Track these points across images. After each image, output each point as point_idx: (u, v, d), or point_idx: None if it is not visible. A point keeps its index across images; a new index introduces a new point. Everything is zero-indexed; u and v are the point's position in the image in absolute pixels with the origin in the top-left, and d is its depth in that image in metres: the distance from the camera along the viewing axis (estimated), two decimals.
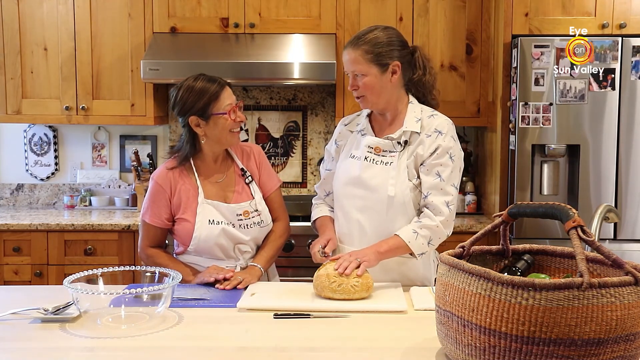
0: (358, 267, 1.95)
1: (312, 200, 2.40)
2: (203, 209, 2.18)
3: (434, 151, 2.10)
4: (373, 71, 2.08)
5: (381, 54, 2.07)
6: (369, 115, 2.25)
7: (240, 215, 2.21)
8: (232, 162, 2.31)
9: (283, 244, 2.36)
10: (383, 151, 2.14)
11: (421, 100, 2.23)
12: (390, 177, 2.10)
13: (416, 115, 2.15)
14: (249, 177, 2.29)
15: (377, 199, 2.12)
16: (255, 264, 2.21)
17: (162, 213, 2.21)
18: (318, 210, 2.33)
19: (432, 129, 2.13)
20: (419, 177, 2.12)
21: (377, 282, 2.04)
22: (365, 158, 2.15)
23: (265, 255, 2.26)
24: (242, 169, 2.29)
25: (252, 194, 2.27)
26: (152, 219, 2.22)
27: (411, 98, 2.21)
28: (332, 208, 2.31)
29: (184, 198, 2.20)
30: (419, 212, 2.14)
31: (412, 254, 2.08)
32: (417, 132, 2.13)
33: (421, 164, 2.12)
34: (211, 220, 2.18)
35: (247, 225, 2.22)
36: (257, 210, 2.24)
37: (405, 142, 2.13)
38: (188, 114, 2.16)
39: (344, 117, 2.41)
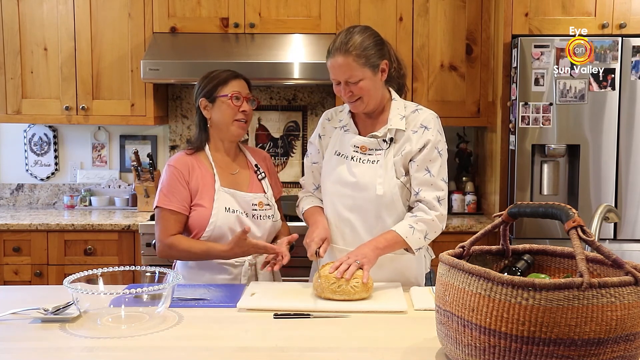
0: (360, 268, 1.96)
1: (299, 194, 2.37)
2: (220, 196, 2.20)
3: (423, 147, 2.10)
4: (368, 74, 2.07)
5: (371, 55, 2.06)
6: (352, 111, 2.23)
7: (255, 205, 2.24)
8: (246, 159, 2.35)
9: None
10: (369, 150, 2.14)
11: (400, 94, 2.24)
12: (378, 176, 2.10)
13: (400, 112, 2.15)
14: (262, 174, 2.33)
15: (366, 198, 2.12)
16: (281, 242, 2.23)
17: (183, 198, 2.19)
18: (308, 201, 2.30)
19: (417, 125, 2.13)
20: (406, 174, 2.13)
21: (375, 281, 2.04)
22: (352, 158, 2.15)
23: (285, 241, 2.25)
24: (255, 165, 2.33)
25: (264, 189, 2.30)
26: (174, 205, 2.18)
27: (394, 94, 2.21)
28: (322, 201, 2.29)
29: (201, 183, 2.22)
30: (409, 208, 2.14)
31: (408, 249, 2.09)
32: (402, 130, 2.13)
33: (410, 160, 2.12)
34: (227, 208, 2.20)
35: (260, 216, 2.24)
36: (269, 204, 2.28)
37: (391, 139, 2.13)
38: (199, 96, 2.24)
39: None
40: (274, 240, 2.32)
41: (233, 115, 2.21)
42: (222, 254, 2.15)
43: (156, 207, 2.21)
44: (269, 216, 2.26)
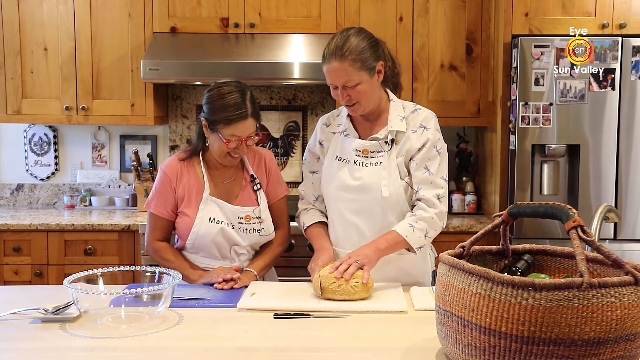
0: (360, 268, 1.96)
1: (299, 205, 2.35)
2: (206, 206, 2.19)
3: (422, 145, 2.10)
4: (364, 78, 2.05)
5: (367, 58, 2.05)
6: (350, 115, 2.22)
7: (242, 218, 2.21)
8: (243, 167, 2.30)
9: (281, 252, 2.35)
10: (371, 152, 2.14)
11: (395, 92, 2.24)
12: (382, 178, 2.10)
13: (399, 113, 2.15)
14: (258, 185, 2.28)
15: (372, 200, 2.12)
16: (250, 269, 2.21)
17: (168, 204, 2.22)
18: (310, 216, 2.28)
19: (417, 125, 2.13)
20: (409, 174, 2.13)
21: (376, 279, 2.04)
22: (355, 162, 2.15)
23: (262, 262, 2.25)
24: (251, 176, 2.29)
25: (257, 201, 2.26)
26: (158, 209, 2.23)
27: (391, 95, 2.20)
28: (323, 213, 2.28)
29: (187, 192, 2.21)
30: (413, 207, 2.14)
31: (409, 249, 2.09)
32: (403, 131, 2.13)
33: (410, 159, 2.12)
34: (212, 219, 2.18)
35: (246, 229, 2.22)
36: (259, 217, 2.24)
37: (392, 140, 2.13)
38: (203, 114, 2.18)
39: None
40: (261, 249, 2.31)
41: (225, 151, 2.16)
42: (189, 280, 2.17)
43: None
44: (256, 230, 2.23)
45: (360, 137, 2.18)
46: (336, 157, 2.20)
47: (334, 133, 2.25)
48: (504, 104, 3.30)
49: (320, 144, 2.28)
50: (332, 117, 2.30)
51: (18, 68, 3.59)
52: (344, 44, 2.03)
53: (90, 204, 3.89)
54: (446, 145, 2.19)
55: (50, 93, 3.60)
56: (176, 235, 2.30)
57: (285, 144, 3.96)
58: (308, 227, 2.27)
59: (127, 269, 1.89)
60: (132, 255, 3.34)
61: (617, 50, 3.10)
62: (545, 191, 3.21)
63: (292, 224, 2.40)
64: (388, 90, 2.21)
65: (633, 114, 3.15)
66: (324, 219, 2.27)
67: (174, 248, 2.28)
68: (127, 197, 3.90)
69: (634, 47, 3.11)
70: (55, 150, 4.00)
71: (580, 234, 1.26)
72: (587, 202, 3.15)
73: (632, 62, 3.11)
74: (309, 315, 1.78)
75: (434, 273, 2.25)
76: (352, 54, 2.03)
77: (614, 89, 3.12)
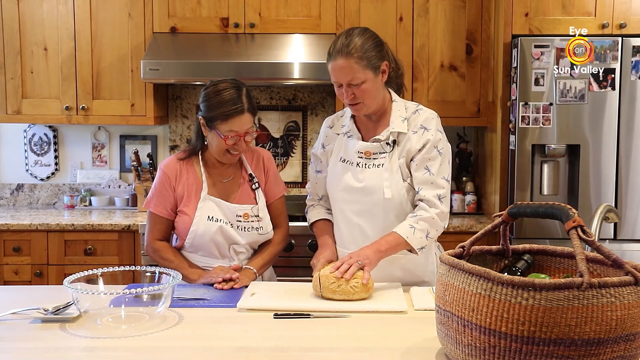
0: (361, 269, 1.96)
1: (306, 201, 2.38)
2: (204, 204, 2.20)
3: (423, 146, 2.11)
4: (369, 76, 2.06)
5: (372, 57, 2.06)
6: (353, 116, 2.23)
7: (240, 216, 2.22)
8: (242, 166, 2.31)
9: (280, 251, 2.36)
10: (373, 154, 2.15)
11: (398, 93, 2.24)
12: (384, 180, 2.11)
13: (401, 114, 2.16)
14: (256, 184, 2.29)
15: (374, 202, 2.12)
16: (249, 267, 2.21)
17: (167, 203, 2.23)
18: (315, 213, 2.32)
19: (418, 125, 2.14)
20: (411, 175, 2.13)
21: (381, 279, 2.04)
22: (357, 164, 2.15)
23: (261, 260, 2.26)
24: (250, 174, 2.29)
25: (256, 200, 2.27)
26: (157, 209, 2.24)
27: (394, 95, 2.21)
28: (329, 210, 2.30)
29: (186, 191, 2.22)
30: (415, 207, 2.14)
31: (411, 250, 2.08)
32: (404, 132, 2.13)
33: (411, 160, 2.12)
34: (210, 217, 2.19)
35: (244, 227, 2.22)
36: (257, 216, 2.24)
37: (394, 141, 2.13)
38: (201, 112, 2.18)
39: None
40: (260, 248, 2.31)
41: (224, 148, 2.17)
42: (188, 280, 2.17)
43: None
44: (255, 228, 2.23)
45: (363, 138, 2.19)
46: (340, 159, 2.21)
47: (338, 134, 2.26)
48: (504, 104, 3.30)
49: (323, 147, 2.29)
50: (337, 119, 2.31)
51: (18, 68, 3.59)
52: (350, 43, 2.05)
53: (90, 204, 3.89)
54: (450, 145, 2.19)
55: (50, 93, 3.60)
56: (175, 235, 2.30)
57: (285, 144, 3.96)
58: (313, 223, 2.30)
59: (127, 269, 1.89)
60: (132, 255, 3.34)
61: (617, 50, 3.10)
62: (545, 191, 3.21)
63: (291, 223, 2.41)
64: (391, 91, 2.21)
65: (633, 114, 3.15)
66: (329, 217, 2.29)
67: (173, 248, 2.28)
68: (127, 197, 3.90)
69: (634, 47, 3.11)
70: (55, 150, 4.00)
71: (580, 234, 1.26)
72: (587, 202, 3.15)
73: (632, 62, 3.11)
74: (309, 315, 1.78)
75: None
76: (357, 51, 2.04)
77: (614, 89, 3.12)
